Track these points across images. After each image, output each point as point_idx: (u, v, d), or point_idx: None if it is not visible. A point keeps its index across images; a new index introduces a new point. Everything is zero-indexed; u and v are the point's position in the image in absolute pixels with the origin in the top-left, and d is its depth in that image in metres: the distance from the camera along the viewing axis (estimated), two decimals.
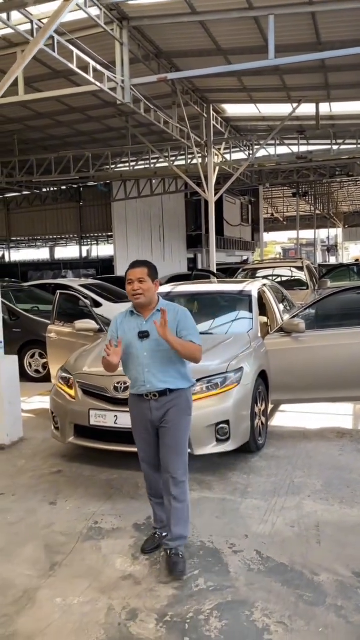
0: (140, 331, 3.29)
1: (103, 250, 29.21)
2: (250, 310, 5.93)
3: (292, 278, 11.48)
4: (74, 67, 7.67)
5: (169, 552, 3.26)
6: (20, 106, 12.84)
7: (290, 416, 6.23)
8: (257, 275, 12.34)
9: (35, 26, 7.05)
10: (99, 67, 8.20)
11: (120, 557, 3.42)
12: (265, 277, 10.80)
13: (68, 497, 4.33)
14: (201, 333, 5.78)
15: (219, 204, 20.53)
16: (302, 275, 11.68)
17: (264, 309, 6.37)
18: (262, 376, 5.29)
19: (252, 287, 6.37)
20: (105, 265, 24.82)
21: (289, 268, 12.50)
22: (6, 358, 5.79)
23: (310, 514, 3.87)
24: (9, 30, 8.79)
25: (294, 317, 5.77)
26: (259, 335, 5.70)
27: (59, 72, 10.99)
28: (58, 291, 7.53)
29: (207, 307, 6.51)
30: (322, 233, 45.15)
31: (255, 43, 9.56)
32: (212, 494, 4.27)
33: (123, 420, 4.36)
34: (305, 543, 3.49)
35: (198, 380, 4.61)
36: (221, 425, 4.58)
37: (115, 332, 3.39)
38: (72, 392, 4.99)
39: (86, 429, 4.81)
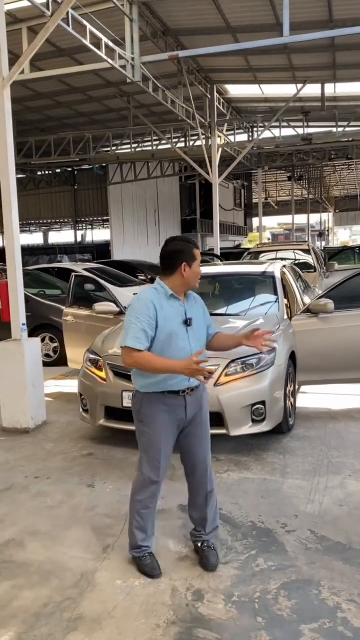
0: (187, 318, 2.92)
1: (98, 234, 29.00)
2: (275, 292, 5.87)
3: (300, 261, 11.41)
4: (87, 42, 7.46)
5: (202, 544, 3.13)
6: (20, 86, 12.60)
7: (313, 397, 6.21)
8: (261, 258, 12.29)
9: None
10: (110, 44, 8.00)
11: (172, 539, 3.37)
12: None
13: (105, 479, 4.28)
14: (228, 315, 5.82)
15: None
16: (310, 258, 11.62)
17: (284, 290, 6.32)
18: (292, 357, 5.25)
19: (275, 268, 6.31)
20: (100, 250, 24.64)
21: (294, 251, 12.42)
22: (29, 341, 5.70)
23: (355, 493, 3.85)
24: (13, 6, 8.55)
25: (320, 297, 5.72)
26: (286, 316, 5.65)
27: (64, 50, 10.76)
28: (73, 274, 7.41)
29: (230, 288, 6.44)
30: (313, 218, 45.15)
31: (266, 21, 9.40)
32: (252, 475, 4.24)
33: None
34: (358, 522, 3.47)
35: (232, 362, 4.58)
36: (257, 406, 4.54)
37: (153, 318, 2.83)
38: (102, 374, 4.92)
39: (118, 411, 4.74)
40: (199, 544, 3.15)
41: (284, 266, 6.71)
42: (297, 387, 5.52)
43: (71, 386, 7.16)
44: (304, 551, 3.17)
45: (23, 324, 5.61)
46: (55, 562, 3.18)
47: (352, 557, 3.09)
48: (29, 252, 26.92)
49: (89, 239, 29.68)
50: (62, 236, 31.06)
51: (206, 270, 6.89)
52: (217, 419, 4.48)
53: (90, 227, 29.44)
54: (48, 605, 2.80)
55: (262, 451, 4.70)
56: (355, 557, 3.08)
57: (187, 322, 2.92)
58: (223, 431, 4.50)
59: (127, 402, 4.62)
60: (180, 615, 2.67)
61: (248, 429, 4.53)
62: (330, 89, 13.62)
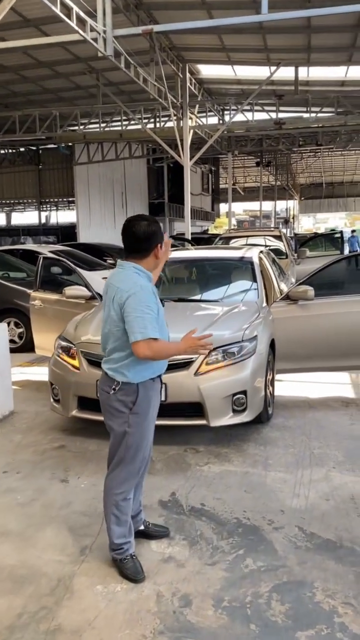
0: (160, 299, 2.89)
1: (63, 216, 28.28)
2: (254, 277, 5.71)
3: (271, 247, 11.28)
4: (57, 11, 7.03)
5: (147, 525, 3.18)
6: None
7: (290, 385, 6.09)
8: (232, 244, 12.13)
9: None
10: (82, 14, 7.58)
11: (154, 538, 3.18)
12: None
13: (79, 473, 4.05)
14: (205, 301, 5.62)
15: (181, 171, 20.16)
16: (281, 245, 11.52)
17: (261, 276, 6.16)
18: (271, 345, 5.11)
19: (253, 254, 6.14)
20: (66, 232, 24.01)
21: (265, 237, 12.29)
22: None
23: (341, 486, 3.74)
24: None
25: (300, 284, 5.58)
26: (265, 302, 5.49)
27: (30, 20, 10.22)
28: (41, 256, 7.06)
29: (207, 274, 6.26)
30: (278, 205, 45.26)
31: None
32: (234, 467, 4.08)
33: None
34: (346, 516, 3.35)
35: (213, 350, 4.39)
36: (238, 396, 4.37)
37: (156, 305, 2.74)
38: (75, 363, 4.66)
39: (92, 402, 4.49)
40: (143, 527, 3.15)
41: (261, 252, 6.55)
42: (275, 375, 5.39)
43: (39, 373, 6.86)
44: (294, 550, 3.03)
45: None
46: (29, 566, 2.95)
47: (343, 555, 2.96)
48: None
49: (53, 220, 28.92)
50: (26, 217, 30.17)
51: (182, 254, 6.70)
52: (197, 409, 4.32)
53: (55, 208, 28.63)
54: (22, 616, 2.57)
55: (242, 442, 4.55)
56: (347, 556, 2.95)
57: (162, 303, 2.90)
58: (203, 422, 4.33)
59: None
60: (168, 623, 2.49)
61: (229, 419, 4.37)
62: (303, 72, 13.45)
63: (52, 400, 4.87)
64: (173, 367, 4.29)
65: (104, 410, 2.89)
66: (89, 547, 3.11)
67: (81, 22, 7.82)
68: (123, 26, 9.05)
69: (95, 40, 8.20)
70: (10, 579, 2.85)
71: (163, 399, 4.23)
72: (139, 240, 2.78)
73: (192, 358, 4.30)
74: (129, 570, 2.83)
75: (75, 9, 7.47)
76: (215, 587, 2.73)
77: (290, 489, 3.73)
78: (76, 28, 7.54)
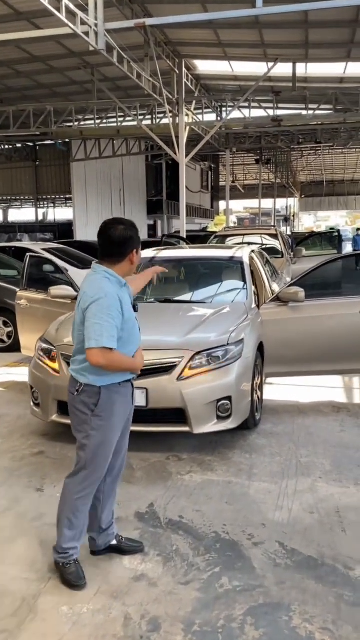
0: (134, 304, 2.81)
1: (60, 213, 28.11)
2: (244, 278, 5.55)
3: (267, 246, 11.11)
4: (46, 3, 6.86)
5: (119, 540, 3.03)
6: None
7: (280, 389, 5.94)
8: (227, 242, 11.96)
9: None
10: (72, 7, 7.40)
11: (128, 554, 3.03)
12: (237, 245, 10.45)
13: (55, 482, 3.88)
14: (192, 302, 5.46)
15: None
16: (277, 243, 11.34)
17: (252, 277, 6.01)
18: (259, 348, 4.95)
19: (243, 254, 5.98)
20: (62, 229, 23.84)
21: (261, 235, 12.12)
22: None
23: (327, 498, 3.58)
24: None
25: (290, 285, 5.42)
26: (254, 304, 5.34)
27: (22, 13, 10.04)
28: (28, 254, 6.90)
29: (196, 274, 6.10)
30: (279, 203, 45.06)
31: None
32: (216, 476, 3.93)
33: None
34: (330, 531, 3.20)
35: (197, 354, 4.25)
36: (223, 402, 4.21)
37: (120, 313, 2.63)
38: (55, 366, 4.51)
39: None
40: (116, 542, 3.01)
41: (253, 251, 6.39)
42: (264, 379, 5.23)
43: (24, 374, 6.62)
44: (273, 568, 2.88)
45: None
46: None
47: (324, 574, 2.81)
48: None
49: (50, 217, 28.74)
50: (23, 214, 30.01)
51: (171, 254, 6.53)
52: (180, 415, 4.17)
53: (52, 205, 28.47)
54: None
55: (227, 449, 4.40)
56: (328, 575, 2.80)
57: (135, 308, 2.81)
58: (186, 428, 4.17)
59: None
60: None
61: (213, 426, 4.21)
62: (301, 69, 13.25)
63: (32, 404, 4.72)
64: (155, 371, 4.16)
65: (69, 411, 2.85)
66: None
67: (72, 14, 7.64)
68: (117, 20, 8.88)
69: (87, 33, 8.03)
70: None
71: (144, 404, 4.11)
72: (113, 244, 2.73)
73: (174, 362, 4.15)
74: (71, 576, 2.76)
75: (65, 1, 7.29)
76: (186, 609, 2.58)
77: (274, 500, 3.58)
78: (66, 21, 7.37)
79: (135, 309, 2.79)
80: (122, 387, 2.77)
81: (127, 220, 2.83)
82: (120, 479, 3.06)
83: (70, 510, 2.79)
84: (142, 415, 4.18)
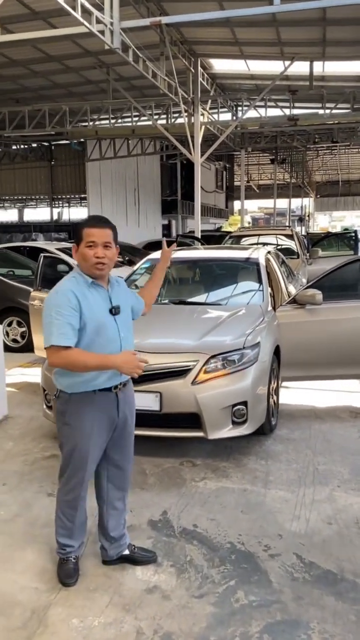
0: (113, 306, 2.65)
1: (75, 213, 28.15)
2: (260, 280, 5.44)
3: (282, 246, 10.98)
4: (61, 1, 6.81)
5: (131, 549, 2.96)
6: None
7: (296, 393, 5.82)
8: (242, 243, 11.85)
9: None
10: (87, 5, 7.34)
11: (140, 564, 2.94)
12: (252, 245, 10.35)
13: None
14: (208, 304, 5.37)
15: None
16: (292, 244, 11.20)
17: (268, 278, 5.90)
18: (276, 352, 4.84)
19: (259, 255, 5.87)
20: None
21: (276, 236, 11.99)
22: None
23: (345, 508, 3.47)
24: None
25: (307, 287, 5.31)
26: (270, 307, 5.23)
27: (37, 12, 10.03)
28: (42, 254, 6.86)
29: (211, 275, 6.00)
30: (294, 203, 44.73)
31: None
32: (231, 484, 3.83)
33: None
34: (350, 544, 3.09)
35: (212, 357, 4.15)
36: (238, 407, 4.11)
37: (77, 309, 2.51)
38: None
39: None
40: (128, 551, 2.94)
41: (269, 252, 6.27)
42: (280, 383, 5.12)
43: (37, 375, 6.61)
44: (290, 582, 2.78)
45: None
46: (2, 594, 2.74)
47: (344, 590, 2.71)
48: (2, 229, 26.02)
49: (65, 217, 28.79)
50: (38, 213, 30.09)
51: (186, 254, 6.44)
52: (194, 420, 4.07)
53: (67, 204, 28.52)
54: None
55: (243, 455, 4.30)
56: (348, 591, 2.70)
57: (113, 311, 2.66)
58: (200, 434, 4.08)
59: None
60: None
61: (228, 431, 4.11)
62: (318, 67, 13.09)
63: (44, 406, 4.66)
64: (169, 375, 4.08)
65: None
66: None
67: (87, 13, 7.59)
68: (133, 19, 8.81)
69: (102, 32, 7.97)
70: None
71: (157, 408, 4.03)
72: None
73: (189, 366, 4.06)
74: (62, 572, 2.80)
75: (81, 0, 7.23)
76: (201, 624, 2.49)
77: (291, 510, 3.47)
78: (81, 20, 7.31)
79: (111, 312, 2.64)
80: (98, 395, 2.63)
81: (89, 216, 2.85)
82: (129, 486, 2.98)
83: (60, 510, 2.83)
84: (155, 419, 4.12)
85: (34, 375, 6.82)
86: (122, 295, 2.78)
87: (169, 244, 3.36)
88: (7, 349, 8.02)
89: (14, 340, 8.29)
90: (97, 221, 2.67)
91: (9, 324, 8.29)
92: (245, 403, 4.12)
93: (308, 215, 49.15)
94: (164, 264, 3.30)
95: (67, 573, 2.79)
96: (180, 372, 4.07)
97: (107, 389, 2.66)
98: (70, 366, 2.53)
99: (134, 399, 2.90)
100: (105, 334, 2.61)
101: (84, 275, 2.62)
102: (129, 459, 2.91)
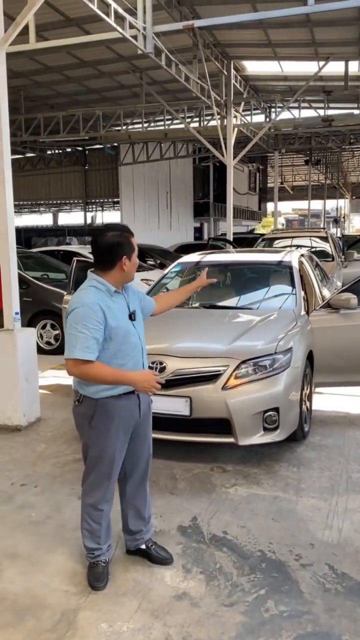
0: (131, 312, 2.73)
1: (108, 216, 28.43)
2: (292, 283, 5.37)
3: (316, 249, 10.84)
4: (94, 7, 6.88)
5: (147, 544, 3.00)
6: (27, 58, 12.03)
7: (330, 399, 5.72)
8: (276, 245, 11.75)
9: None
10: (120, 11, 7.40)
11: (170, 569, 2.94)
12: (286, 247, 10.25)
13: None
14: (239, 308, 5.33)
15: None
16: (327, 246, 11.04)
17: (301, 282, 5.81)
18: (309, 357, 4.77)
19: (292, 258, 5.80)
20: None
21: (310, 238, 11.84)
22: (22, 330, 5.25)
23: None
24: None
25: (342, 291, 5.21)
26: (303, 311, 5.15)
27: (72, 19, 10.15)
28: (75, 258, 6.93)
29: (242, 279, 5.95)
30: (328, 204, 44.12)
31: None
32: (262, 491, 3.79)
33: (159, 404, 3.80)
34: None
35: (243, 362, 4.11)
36: (270, 413, 4.07)
37: (102, 323, 2.55)
38: None
39: None
40: (145, 546, 2.98)
41: (302, 255, 6.19)
42: (313, 388, 5.04)
43: (70, 378, 6.72)
44: (322, 593, 2.72)
45: (16, 313, 5.16)
46: (33, 596, 2.76)
47: None
48: (37, 233, 26.46)
49: (99, 220, 29.10)
50: (72, 217, 30.54)
51: (217, 258, 6.41)
52: (225, 425, 4.04)
53: (100, 208, 28.82)
54: None
55: (274, 462, 4.25)
56: None
57: (132, 317, 2.73)
58: (231, 439, 4.05)
59: None
60: None
61: (259, 437, 4.07)
62: (354, 67, 12.88)
63: None
64: (199, 380, 4.06)
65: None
66: None
67: (120, 19, 7.65)
68: (165, 23, 8.84)
69: (135, 37, 8.02)
70: (13, 609, 2.67)
71: (187, 413, 4.01)
72: (101, 252, 2.67)
73: (219, 371, 4.04)
74: (91, 576, 2.82)
75: (114, 5, 7.30)
76: (230, 633, 2.46)
77: (323, 518, 3.41)
78: (114, 25, 7.36)
79: (131, 318, 2.71)
80: (122, 399, 2.69)
81: (120, 226, 2.80)
82: (147, 481, 2.98)
83: (85, 513, 2.84)
84: (185, 424, 4.11)
85: (67, 377, 6.85)
86: (134, 298, 2.84)
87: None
88: (41, 351, 8.16)
89: (48, 343, 8.41)
90: (130, 231, 2.74)
91: (43, 327, 8.42)
92: (277, 409, 4.07)
93: (343, 217, 48.40)
94: (195, 287, 3.42)
95: (96, 577, 2.81)
96: (211, 377, 4.04)
97: (131, 391, 2.71)
98: (87, 378, 2.60)
99: (149, 399, 2.90)
100: (130, 341, 2.68)
101: (107, 284, 2.64)
102: (146, 453, 2.93)
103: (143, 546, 2.99)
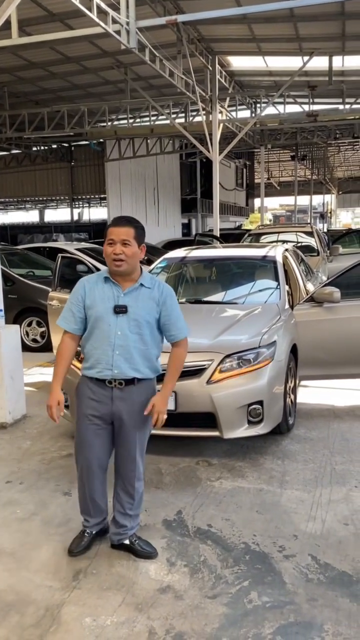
0: (117, 305, 2.78)
1: (95, 213, 28.33)
2: (277, 278, 5.40)
3: (302, 244, 10.88)
4: (77, 2, 6.83)
5: (130, 540, 3.02)
6: (11, 54, 11.91)
7: (315, 392, 5.76)
8: (262, 240, 11.78)
9: None
10: (103, 5, 7.36)
11: (154, 563, 2.95)
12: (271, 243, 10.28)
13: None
14: (223, 303, 5.34)
15: None
16: (312, 241, 11.09)
17: (285, 276, 5.84)
18: (293, 350, 4.80)
19: (276, 252, 5.82)
20: (97, 229, 23.96)
21: (296, 233, 11.88)
22: (7, 328, 5.23)
23: None
24: None
25: (325, 285, 5.25)
26: (287, 305, 5.18)
27: (55, 14, 10.07)
28: (59, 255, 6.91)
29: (227, 273, 5.96)
30: (315, 199, 44.25)
31: None
32: (247, 483, 3.81)
33: None
34: None
35: (227, 357, 4.13)
36: (254, 406, 4.09)
37: (81, 299, 2.83)
38: None
39: None
40: (128, 542, 3.01)
41: (286, 250, 6.22)
42: (297, 382, 5.08)
43: None
44: (304, 583, 2.75)
45: (0, 310, 5.14)
46: (17, 592, 2.76)
47: (359, 592, 2.66)
48: (23, 230, 26.31)
49: (85, 217, 28.98)
50: (58, 214, 30.35)
51: (202, 253, 6.42)
52: (210, 419, 4.06)
53: (87, 205, 28.69)
54: None
55: (259, 455, 4.27)
56: None
57: (116, 309, 2.78)
58: (216, 433, 4.07)
59: None
60: None
61: (244, 431, 4.09)
62: (338, 62, 12.92)
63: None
64: (183, 374, 4.03)
65: None
66: (83, 570, 2.90)
67: (103, 13, 7.60)
68: (149, 18, 8.80)
69: (119, 32, 7.98)
70: None
71: (172, 408, 4.01)
72: None
73: (204, 365, 4.05)
74: (72, 543, 3.04)
75: (97, 0, 7.25)
76: (213, 625, 2.48)
77: (307, 510, 3.44)
78: (97, 20, 7.32)
79: (116, 310, 2.78)
80: (95, 384, 2.86)
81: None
82: (132, 478, 2.97)
83: (78, 478, 3.07)
84: (170, 419, 4.08)
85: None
86: (140, 301, 2.81)
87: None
88: (27, 348, 8.13)
89: (34, 340, 8.38)
90: (118, 220, 2.83)
91: (29, 324, 8.38)
92: (261, 402, 4.10)
93: (330, 212, 48.61)
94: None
95: (75, 544, 3.03)
96: (195, 372, 4.06)
97: (102, 380, 2.84)
98: (57, 348, 2.92)
99: (145, 399, 2.89)
100: (101, 327, 2.79)
101: (105, 272, 2.88)
102: (126, 453, 2.94)
103: (127, 541, 3.01)
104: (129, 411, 2.86)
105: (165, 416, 2.88)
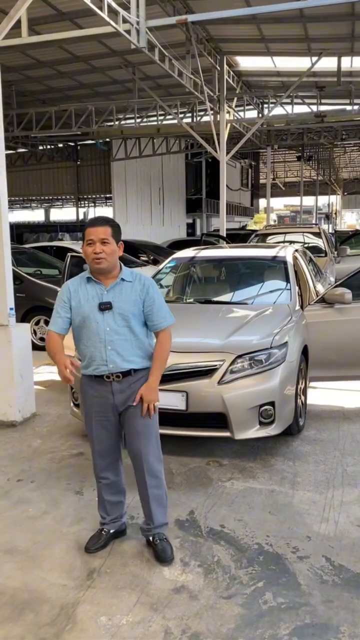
0: (102, 302, 2.85)
1: (100, 212, 28.32)
2: (287, 278, 5.39)
3: (310, 244, 10.85)
4: (88, 1, 6.83)
5: (153, 538, 3.02)
6: (19, 52, 11.92)
7: (324, 393, 5.75)
8: (269, 241, 11.76)
9: None
10: (114, 5, 7.36)
11: (167, 563, 2.94)
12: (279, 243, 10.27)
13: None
14: (233, 303, 5.34)
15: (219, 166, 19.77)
16: (320, 242, 11.06)
17: (296, 277, 5.83)
18: (304, 351, 4.79)
19: (286, 253, 5.81)
20: None
21: (304, 234, 11.86)
22: (17, 326, 5.24)
23: None
24: None
25: (336, 286, 5.23)
26: (298, 306, 5.17)
27: (64, 13, 10.08)
28: (69, 254, 6.91)
29: (237, 274, 5.96)
30: (320, 200, 44.20)
31: None
32: (259, 484, 3.81)
33: None
34: None
35: (239, 357, 4.12)
36: (265, 407, 4.08)
37: (67, 301, 2.90)
38: None
39: None
40: (150, 538, 3.03)
41: (296, 250, 6.21)
42: (308, 383, 5.07)
43: None
44: (319, 584, 2.74)
45: (11, 309, 5.14)
46: (31, 590, 2.77)
47: None
48: (29, 229, 26.35)
49: (91, 216, 29.01)
50: (64, 213, 30.40)
51: (211, 253, 6.41)
52: (221, 420, 4.05)
53: (92, 204, 28.72)
54: None
55: (270, 456, 4.27)
56: None
57: (101, 306, 2.84)
58: (227, 434, 4.06)
59: None
60: None
61: (255, 432, 4.09)
62: (346, 62, 12.88)
63: (71, 404, 4.70)
64: (194, 374, 4.07)
65: None
66: (97, 569, 2.91)
67: (114, 13, 7.60)
68: (158, 17, 8.80)
69: (128, 32, 7.98)
70: (12, 604, 2.67)
71: (184, 408, 4.02)
72: None
73: (215, 365, 4.05)
74: (89, 541, 3.09)
75: (107, 0, 7.25)
76: (229, 625, 2.48)
77: (319, 511, 3.43)
78: (108, 19, 7.32)
79: (101, 307, 2.83)
80: (96, 382, 2.93)
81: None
82: (146, 482, 2.96)
83: (95, 476, 3.16)
84: (181, 419, 4.11)
85: None
86: (124, 295, 2.88)
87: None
88: (35, 347, 8.13)
89: (41, 339, 8.37)
90: (95, 221, 2.90)
91: (37, 323, 8.40)
92: (272, 403, 4.09)
93: (335, 213, 48.52)
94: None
95: (91, 541, 3.07)
96: (207, 372, 4.05)
97: (100, 376, 2.90)
98: (47, 346, 2.91)
99: (138, 388, 2.92)
100: (88, 326, 2.85)
101: (87, 273, 2.93)
102: (137, 448, 2.97)
103: (151, 539, 3.03)
104: (131, 401, 2.92)
105: (158, 403, 2.95)
